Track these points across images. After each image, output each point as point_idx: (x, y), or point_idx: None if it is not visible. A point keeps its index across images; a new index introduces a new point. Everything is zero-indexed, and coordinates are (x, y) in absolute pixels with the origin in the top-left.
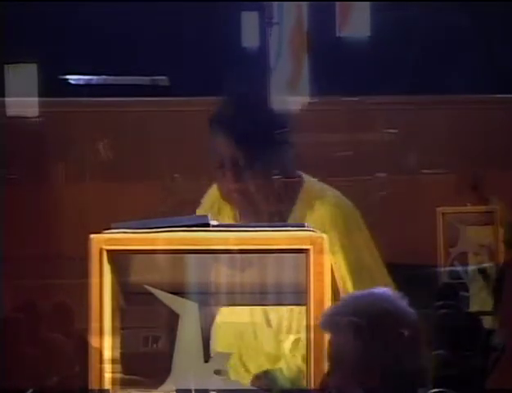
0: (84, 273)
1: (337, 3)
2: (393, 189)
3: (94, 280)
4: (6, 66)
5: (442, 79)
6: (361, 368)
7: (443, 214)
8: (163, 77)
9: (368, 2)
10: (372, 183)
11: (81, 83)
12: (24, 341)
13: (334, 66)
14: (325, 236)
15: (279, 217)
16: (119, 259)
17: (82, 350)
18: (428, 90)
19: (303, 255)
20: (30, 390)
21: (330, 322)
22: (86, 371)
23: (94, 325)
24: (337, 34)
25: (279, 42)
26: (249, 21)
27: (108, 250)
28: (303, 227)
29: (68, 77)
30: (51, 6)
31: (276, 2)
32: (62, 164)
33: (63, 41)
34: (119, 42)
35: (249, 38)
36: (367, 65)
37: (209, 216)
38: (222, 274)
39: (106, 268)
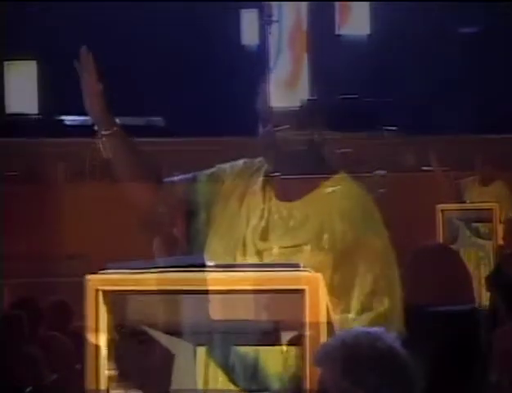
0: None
1: (337, 3)
2: (393, 186)
3: (90, 321)
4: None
5: (441, 78)
6: None
7: (443, 211)
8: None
9: (368, 2)
10: (372, 181)
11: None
12: (23, 340)
13: (334, 65)
14: (320, 275)
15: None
16: (115, 299)
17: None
18: (428, 89)
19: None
20: (29, 389)
21: (321, 357)
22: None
23: (90, 367)
24: (336, 33)
25: (278, 40)
26: (249, 19)
27: (104, 291)
28: (298, 266)
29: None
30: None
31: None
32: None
33: None
34: (118, 42)
35: (249, 36)
36: (367, 64)
37: (206, 259)
38: (216, 313)
39: (102, 308)
